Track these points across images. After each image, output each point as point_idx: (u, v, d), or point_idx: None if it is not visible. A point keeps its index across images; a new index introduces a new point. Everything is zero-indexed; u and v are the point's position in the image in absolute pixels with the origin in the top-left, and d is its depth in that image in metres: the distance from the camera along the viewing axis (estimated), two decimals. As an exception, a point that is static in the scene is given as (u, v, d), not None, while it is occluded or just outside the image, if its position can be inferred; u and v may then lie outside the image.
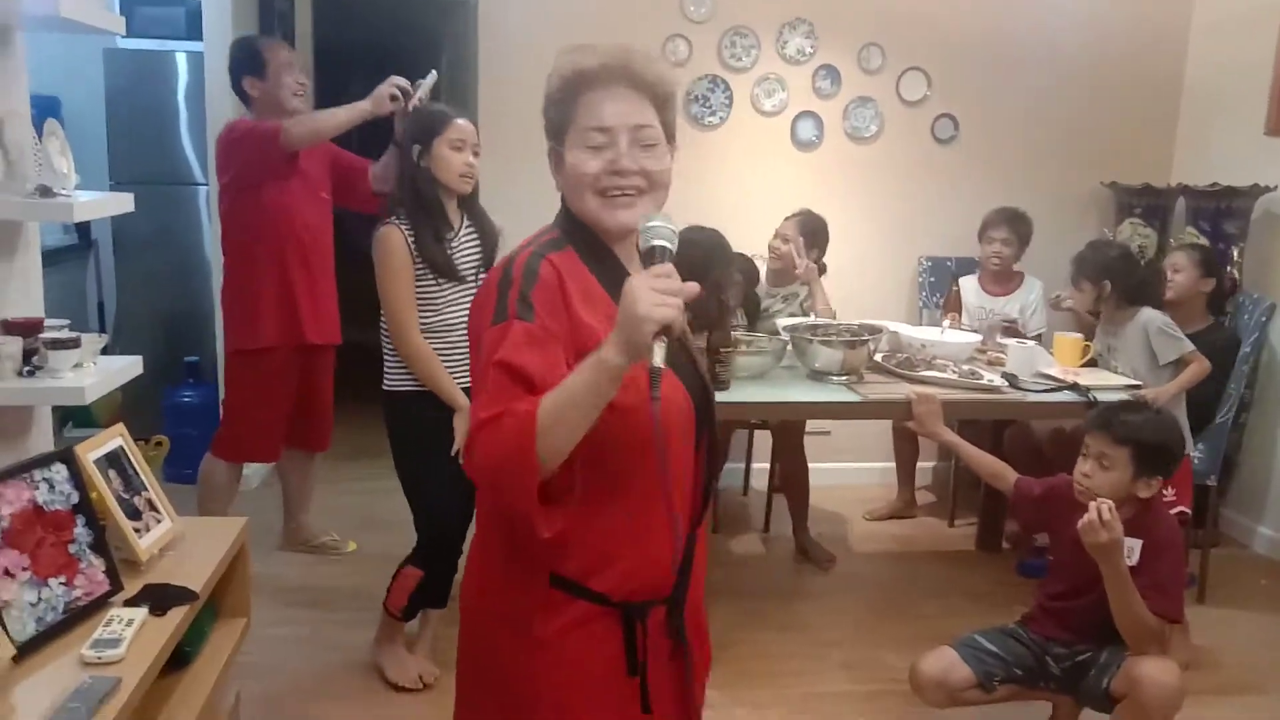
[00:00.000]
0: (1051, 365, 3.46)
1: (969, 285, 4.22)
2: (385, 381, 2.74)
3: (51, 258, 3.61)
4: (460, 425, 2.63)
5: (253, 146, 3.20)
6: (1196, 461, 3.52)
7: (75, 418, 4.58)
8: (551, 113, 1.42)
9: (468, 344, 2.72)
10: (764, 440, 4.34)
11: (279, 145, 3.14)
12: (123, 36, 3.26)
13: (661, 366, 1.17)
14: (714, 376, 2.87)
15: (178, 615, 1.90)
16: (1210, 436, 3.64)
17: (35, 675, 1.66)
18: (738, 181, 4.40)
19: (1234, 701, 3.03)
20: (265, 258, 3.30)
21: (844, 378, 3.22)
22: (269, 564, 3.61)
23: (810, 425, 4.02)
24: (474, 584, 1.50)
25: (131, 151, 4.45)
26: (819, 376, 3.26)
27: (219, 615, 2.28)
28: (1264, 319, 3.80)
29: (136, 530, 2.07)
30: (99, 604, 1.88)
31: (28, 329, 2.18)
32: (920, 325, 3.84)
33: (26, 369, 2.15)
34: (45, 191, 2.10)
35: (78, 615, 1.83)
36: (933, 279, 4.59)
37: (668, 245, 1.26)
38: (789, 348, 3.33)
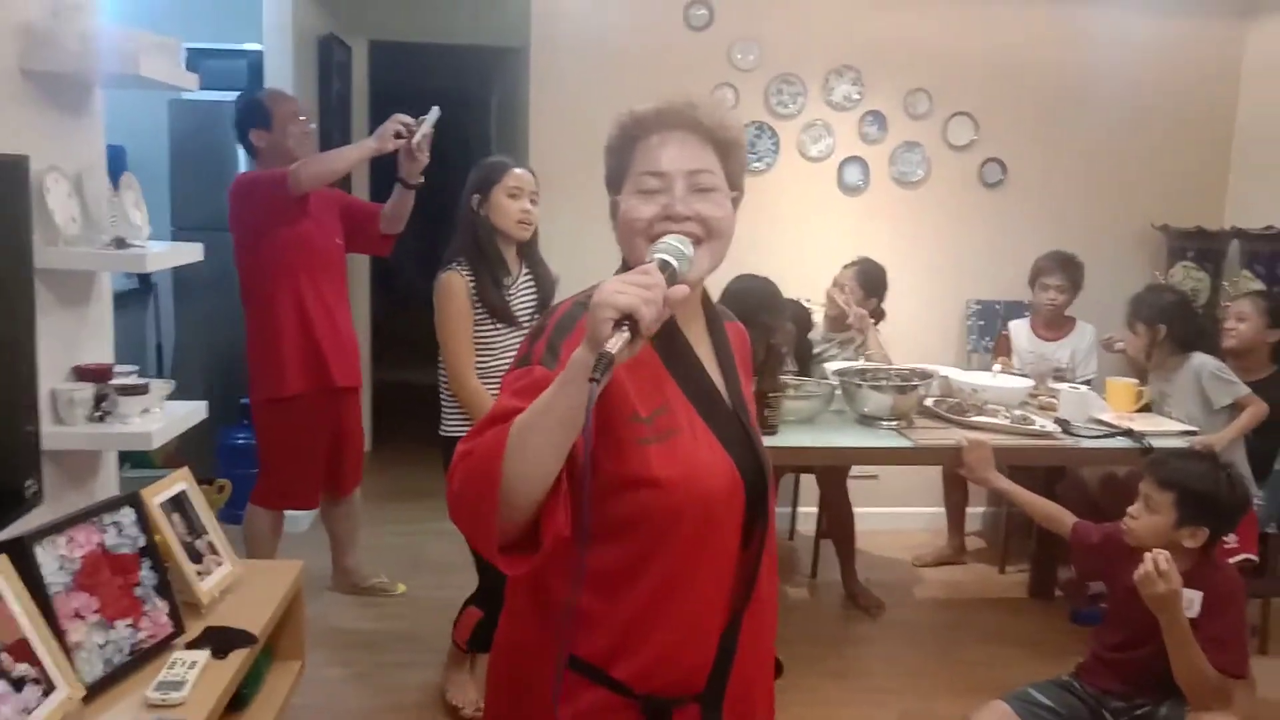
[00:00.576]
0: (1105, 410, 3.42)
1: (1020, 329, 4.19)
2: (443, 427, 2.78)
3: (116, 301, 3.71)
4: None
5: (263, 194, 3.23)
6: (1259, 508, 3.45)
7: (133, 458, 4.68)
8: (611, 162, 1.36)
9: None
10: (810, 484, 4.32)
11: (288, 188, 3.16)
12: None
13: (613, 353, 1.05)
14: (763, 421, 2.88)
15: (237, 658, 1.93)
16: (1273, 483, 3.56)
17: (102, 716, 1.70)
18: (786, 227, 4.42)
19: (1301, 759, 2.94)
20: (285, 305, 3.31)
21: (894, 423, 3.21)
22: (320, 606, 3.65)
23: (856, 470, 4.00)
24: (502, 648, 1.43)
25: (193, 198, 4.59)
26: (868, 421, 3.25)
27: (275, 657, 2.31)
28: (1323, 363, 3.72)
29: (199, 573, 2.11)
30: (163, 646, 1.92)
31: (99, 375, 2.25)
32: (969, 369, 3.82)
33: (96, 414, 2.21)
34: (120, 243, 2.18)
35: (143, 657, 1.87)
36: (981, 322, 4.57)
37: (670, 259, 1.18)
38: (838, 392, 3.33)
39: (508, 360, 2.70)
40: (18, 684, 1.59)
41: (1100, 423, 3.27)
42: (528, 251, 2.84)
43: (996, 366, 3.80)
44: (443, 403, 2.77)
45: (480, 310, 2.69)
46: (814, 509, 4.27)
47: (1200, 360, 3.37)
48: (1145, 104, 4.59)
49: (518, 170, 2.75)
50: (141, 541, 1.99)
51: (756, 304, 2.94)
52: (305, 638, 2.41)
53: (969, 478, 2.99)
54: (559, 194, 3.67)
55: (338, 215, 3.50)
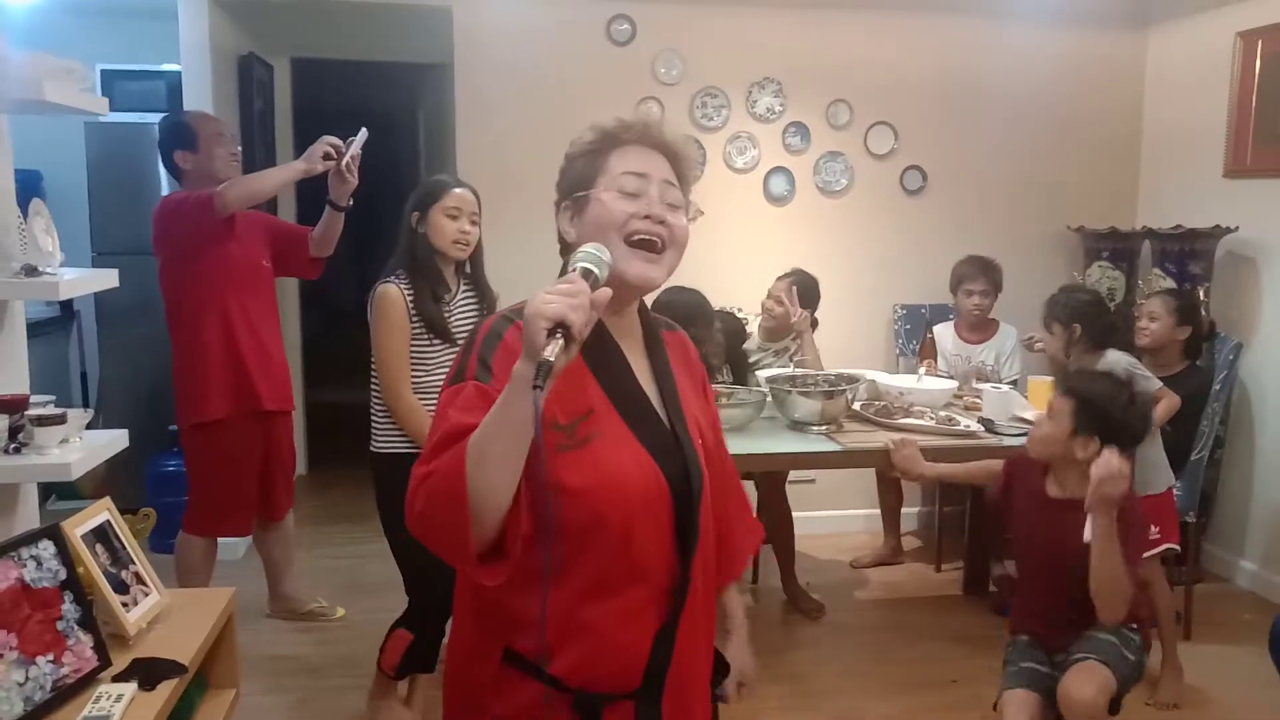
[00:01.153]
0: (1026, 409, 3.51)
1: (944, 332, 4.29)
2: (373, 443, 2.76)
3: (34, 329, 3.61)
4: None
5: (187, 216, 3.18)
6: (1178, 498, 3.57)
7: (59, 490, 4.56)
8: (579, 165, 1.41)
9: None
10: (749, 490, 4.36)
11: (214, 210, 3.12)
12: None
13: (552, 360, 1.11)
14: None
15: (167, 689, 1.89)
16: (1188, 473, 3.69)
17: (24, 755, 1.66)
18: (715, 238, 4.47)
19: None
20: (211, 328, 3.27)
21: (823, 427, 3.26)
22: (257, 633, 3.59)
23: (794, 474, 4.05)
24: (450, 655, 1.48)
25: (113, 222, 4.50)
26: (799, 427, 3.30)
27: (208, 687, 2.27)
28: (1231, 357, 3.88)
29: (124, 604, 2.07)
30: (87, 681, 1.87)
31: (13, 406, 2.19)
32: (897, 373, 3.90)
33: (12, 446, 2.15)
34: (31, 270, 2.13)
35: (66, 693, 1.82)
36: (908, 326, 4.67)
37: (591, 268, 1.23)
38: (769, 399, 3.38)
39: (442, 377, 2.70)
40: (-68, 727, 1.54)
41: (1023, 421, 3.36)
42: (473, 269, 2.84)
43: (922, 369, 3.88)
44: (373, 417, 2.75)
45: (417, 325, 2.69)
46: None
47: (1114, 357, 3.48)
48: (1058, 110, 4.75)
49: (457, 190, 2.76)
50: (63, 575, 1.94)
51: (684, 315, 2.96)
52: (240, 665, 2.37)
53: (902, 477, 3.05)
54: (485, 208, 3.65)
55: (265, 237, 3.46)
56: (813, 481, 4.51)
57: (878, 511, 4.49)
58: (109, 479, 4.20)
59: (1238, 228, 4.12)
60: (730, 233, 4.53)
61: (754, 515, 1.70)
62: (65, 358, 5.00)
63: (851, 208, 4.67)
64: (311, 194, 3.53)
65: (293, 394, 3.60)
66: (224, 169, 3.32)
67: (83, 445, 2.26)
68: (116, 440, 2.37)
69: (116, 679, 1.89)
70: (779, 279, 3.98)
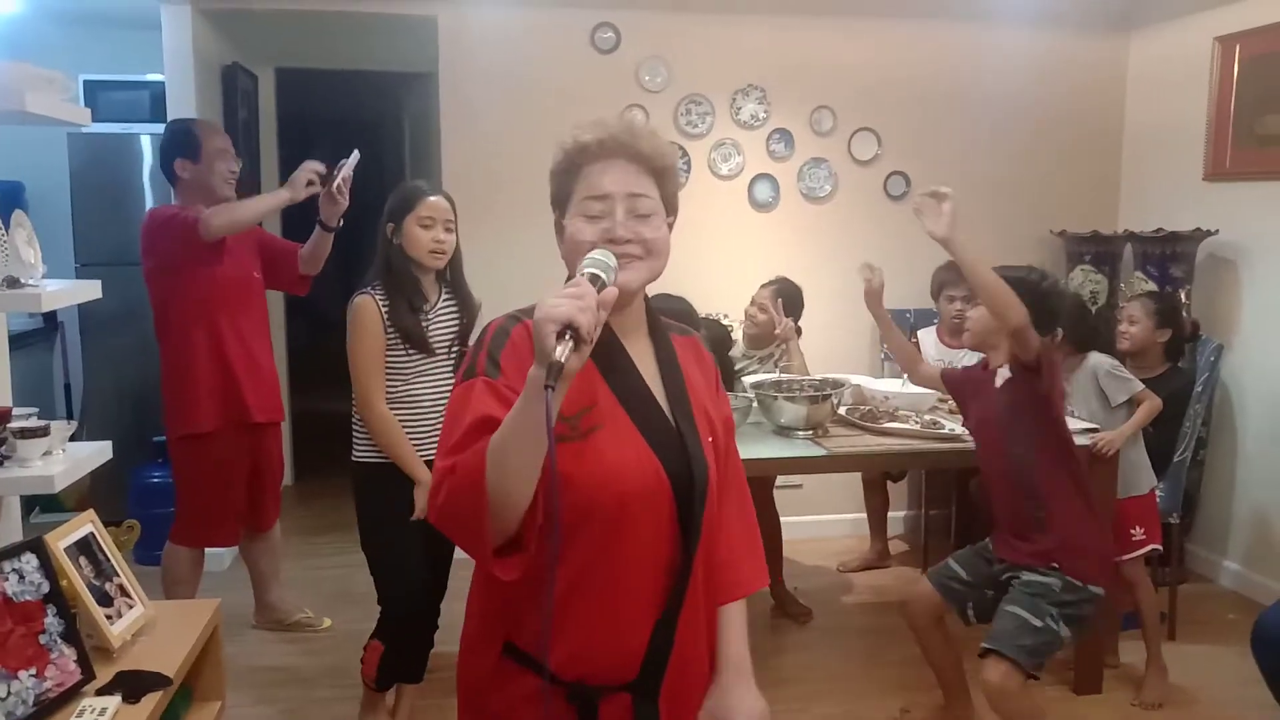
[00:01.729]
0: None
1: (928, 338, 4.30)
2: (354, 453, 2.75)
3: (17, 341, 3.61)
4: (420, 498, 2.64)
5: (176, 236, 3.18)
6: (1160, 499, 3.59)
7: (42, 502, 4.53)
8: (555, 185, 1.45)
9: (434, 416, 2.74)
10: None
11: (198, 235, 3.13)
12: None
13: (562, 361, 1.14)
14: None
15: (151, 701, 1.89)
16: (1171, 475, 3.72)
17: (7, 770, 1.65)
18: (700, 244, 4.49)
19: (1208, 738, 3.07)
20: (200, 340, 3.26)
21: (809, 432, 3.28)
22: (244, 644, 3.58)
23: (781, 479, 4.06)
24: (460, 649, 1.49)
25: (96, 233, 4.49)
26: (785, 432, 3.31)
27: (194, 699, 2.26)
28: (1213, 359, 3.91)
29: (109, 617, 2.06)
30: (71, 694, 1.87)
31: (-4, 419, 2.19)
32: (882, 377, 3.91)
33: (-5, 459, 2.15)
34: (12, 282, 2.13)
35: (49, 707, 1.82)
36: (894, 331, 4.68)
37: (598, 273, 1.26)
38: (755, 405, 3.39)
39: (420, 387, 2.70)
40: (-86, 742, 1.54)
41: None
42: (452, 278, 2.83)
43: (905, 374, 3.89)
44: (354, 427, 2.75)
45: (393, 336, 2.67)
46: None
47: (1096, 360, 3.51)
48: (1040, 115, 4.78)
49: (431, 199, 2.72)
50: (46, 588, 1.94)
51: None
52: (225, 677, 2.36)
53: (867, 302, 3.33)
54: (472, 216, 3.66)
55: (255, 250, 3.47)
56: (799, 486, 4.52)
57: (864, 516, 4.50)
58: (93, 491, 4.18)
59: (1218, 230, 4.16)
60: (715, 239, 4.54)
61: (763, 559, 1.60)
62: (49, 369, 4.98)
63: (836, 214, 4.69)
64: (300, 213, 3.52)
65: (282, 405, 3.59)
66: (221, 186, 3.31)
67: (66, 457, 2.26)
68: (100, 452, 2.37)
69: (100, 692, 1.89)
70: (763, 286, 3.99)
